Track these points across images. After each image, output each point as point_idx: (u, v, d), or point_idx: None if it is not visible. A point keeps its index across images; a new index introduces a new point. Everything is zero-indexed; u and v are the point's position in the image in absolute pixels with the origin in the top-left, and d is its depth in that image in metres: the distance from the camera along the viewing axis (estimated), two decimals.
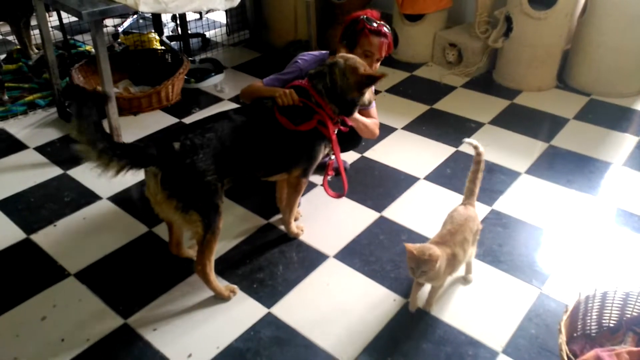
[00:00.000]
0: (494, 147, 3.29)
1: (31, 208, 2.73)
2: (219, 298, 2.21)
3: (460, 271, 2.28)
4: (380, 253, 2.48)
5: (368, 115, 2.65)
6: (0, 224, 2.61)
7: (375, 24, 2.44)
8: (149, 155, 1.95)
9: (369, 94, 2.35)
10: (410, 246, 1.97)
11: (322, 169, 2.60)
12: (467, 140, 2.29)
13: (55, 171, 3.00)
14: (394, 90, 4.01)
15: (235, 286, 2.26)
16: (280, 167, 2.36)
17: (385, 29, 2.46)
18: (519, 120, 3.61)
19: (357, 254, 2.47)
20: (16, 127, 3.44)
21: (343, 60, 2.22)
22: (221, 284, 2.25)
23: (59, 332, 2.07)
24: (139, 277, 2.32)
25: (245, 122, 2.18)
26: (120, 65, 3.84)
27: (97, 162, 1.80)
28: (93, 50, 3.29)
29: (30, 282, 2.28)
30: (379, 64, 2.55)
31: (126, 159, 1.84)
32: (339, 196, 2.53)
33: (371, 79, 2.21)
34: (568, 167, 3.12)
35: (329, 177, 2.55)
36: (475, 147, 2.22)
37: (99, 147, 1.76)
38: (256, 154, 2.21)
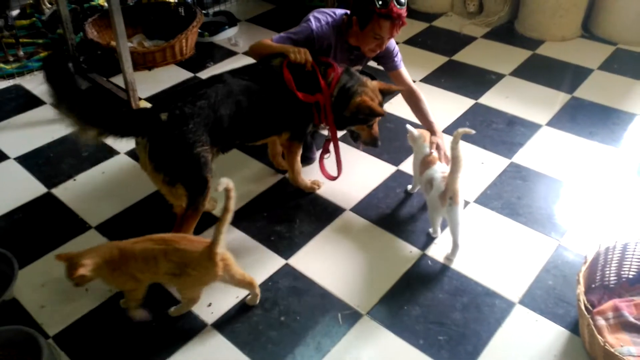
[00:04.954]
0: (515, 99, 3.21)
1: (51, 163, 2.76)
2: None
3: None
4: (397, 206, 2.47)
5: (402, 80, 2.56)
6: (21, 179, 2.66)
7: (387, 3, 2.16)
8: (138, 127, 1.92)
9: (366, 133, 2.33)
10: (62, 256, 1.75)
11: None
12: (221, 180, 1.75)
13: None
14: (411, 41, 3.90)
15: None
16: (271, 131, 2.30)
17: (397, 8, 2.18)
18: (541, 71, 3.50)
19: (374, 207, 2.46)
20: (32, 83, 3.44)
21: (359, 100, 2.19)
22: (236, 237, 2.27)
23: None
24: (158, 228, 2.33)
25: (242, 85, 2.09)
26: (133, 19, 3.79)
27: (91, 137, 1.86)
28: (106, 4, 3.23)
29: (53, 234, 2.34)
30: (391, 39, 2.41)
31: (119, 131, 1.89)
32: (333, 179, 2.48)
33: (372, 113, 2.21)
34: (591, 119, 3.04)
35: (325, 156, 2.50)
36: (226, 190, 1.75)
37: (94, 127, 1.82)
38: (250, 120, 2.13)
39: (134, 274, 1.80)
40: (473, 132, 2.06)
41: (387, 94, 2.32)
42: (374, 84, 2.27)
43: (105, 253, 1.78)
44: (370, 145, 2.38)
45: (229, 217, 1.77)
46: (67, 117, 1.81)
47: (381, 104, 2.27)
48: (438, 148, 2.33)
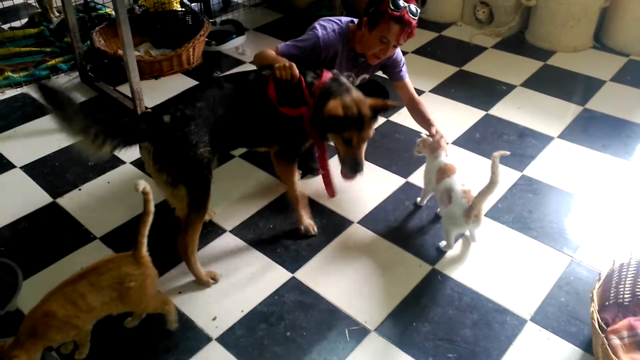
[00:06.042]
0: (526, 110, 3.17)
1: (56, 172, 2.74)
2: (199, 283, 2.13)
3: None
4: (406, 219, 2.43)
5: (406, 91, 2.55)
6: (27, 188, 2.64)
7: (400, 7, 2.18)
8: (140, 131, 1.90)
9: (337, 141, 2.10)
10: None
11: None
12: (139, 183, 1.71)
13: None
14: (421, 51, 3.88)
15: (217, 272, 2.16)
16: (262, 140, 2.26)
17: (409, 15, 2.19)
18: (553, 82, 3.46)
19: (382, 220, 2.42)
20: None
21: (332, 105, 1.98)
22: (241, 249, 2.24)
23: None
24: (163, 241, 2.30)
25: (234, 91, 2.07)
26: (140, 28, 3.79)
27: (92, 145, 1.76)
28: (113, 13, 3.24)
29: (58, 244, 2.31)
30: (396, 49, 2.40)
31: (119, 138, 1.81)
32: (331, 196, 2.37)
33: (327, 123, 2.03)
34: (603, 131, 2.99)
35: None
36: (144, 192, 1.72)
37: (91, 133, 1.73)
38: (241, 126, 2.10)
39: (70, 322, 1.69)
40: (508, 153, 2.07)
41: (379, 111, 2.07)
42: (362, 97, 2.06)
43: (32, 325, 1.65)
44: (347, 169, 2.11)
45: (149, 219, 1.76)
46: (69, 126, 1.74)
47: (362, 118, 2.01)
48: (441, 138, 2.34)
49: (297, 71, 2.10)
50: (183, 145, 1.91)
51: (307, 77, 2.13)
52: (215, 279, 2.15)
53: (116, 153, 1.87)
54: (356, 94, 2.09)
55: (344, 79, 2.17)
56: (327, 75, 2.15)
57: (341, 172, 2.16)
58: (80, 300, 1.69)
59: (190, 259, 2.08)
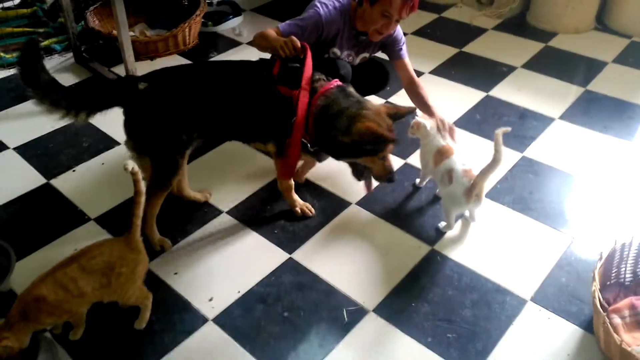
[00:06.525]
0: (527, 91, 3.13)
1: (50, 153, 2.70)
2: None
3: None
4: (405, 200, 2.40)
5: (406, 70, 2.50)
6: (20, 169, 2.60)
7: None
8: (110, 97, 1.91)
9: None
10: None
11: None
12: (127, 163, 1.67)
13: None
14: (421, 32, 3.82)
15: (169, 242, 2.16)
16: (254, 135, 2.18)
17: None
18: (554, 63, 3.41)
19: (381, 201, 2.39)
20: None
21: (361, 124, 1.88)
22: (239, 230, 2.21)
23: None
24: (159, 222, 2.28)
25: (233, 74, 2.02)
26: (136, 8, 3.71)
27: (67, 116, 1.85)
28: None
29: (52, 226, 2.28)
30: (397, 24, 2.34)
31: (88, 109, 1.86)
32: (286, 178, 2.24)
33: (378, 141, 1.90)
34: (605, 112, 2.96)
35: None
36: (132, 173, 1.69)
37: (62, 105, 1.79)
38: (229, 114, 2.02)
39: (61, 307, 1.66)
40: (509, 129, 2.03)
41: (396, 118, 2.02)
42: (378, 107, 2.00)
43: (23, 308, 1.62)
44: (384, 181, 2.10)
45: (142, 199, 1.73)
46: (41, 101, 1.82)
47: (390, 129, 1.97)
48: (443, 124, 2.29)
49: (298, 42, 2.05)
50: (152, 116, 1.87)
51: (315, 74, 2.04)
52: (163, 247, 2.15)
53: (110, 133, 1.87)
54: (371, 105, 2.00)
55: (351, 89, 2.06)
56: (336, 82, 2.06)
57: (367, 186, 2.16)
58: (72, 284, 1.66)
59: (146, 222, 2.06)
